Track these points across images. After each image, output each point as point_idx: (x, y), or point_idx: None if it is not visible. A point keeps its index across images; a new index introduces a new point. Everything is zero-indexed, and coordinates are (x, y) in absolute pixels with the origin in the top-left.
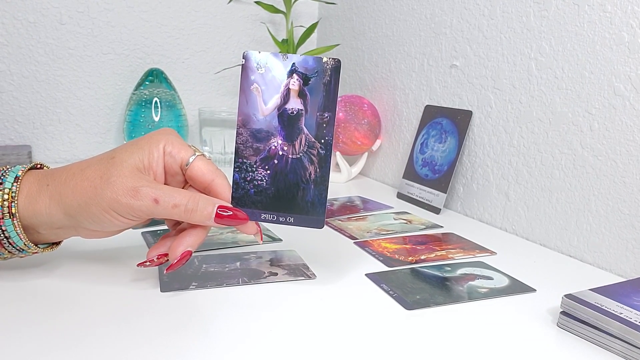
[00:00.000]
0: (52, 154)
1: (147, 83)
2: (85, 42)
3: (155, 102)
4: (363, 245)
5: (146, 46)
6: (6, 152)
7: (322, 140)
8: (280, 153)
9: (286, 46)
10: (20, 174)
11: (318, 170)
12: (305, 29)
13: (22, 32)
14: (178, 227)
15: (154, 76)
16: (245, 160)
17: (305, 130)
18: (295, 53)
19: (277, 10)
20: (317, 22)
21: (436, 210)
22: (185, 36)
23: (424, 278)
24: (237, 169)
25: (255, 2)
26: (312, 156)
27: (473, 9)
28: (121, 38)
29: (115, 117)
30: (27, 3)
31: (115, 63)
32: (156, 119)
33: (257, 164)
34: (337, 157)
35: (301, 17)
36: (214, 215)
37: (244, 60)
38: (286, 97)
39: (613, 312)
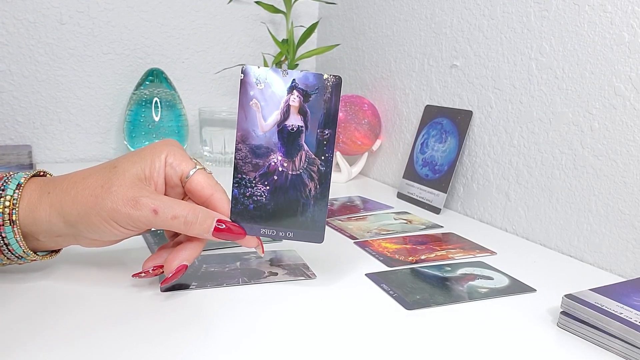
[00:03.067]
0: (52, 153)
1: (147, 83)
2: (85, 42)
3: (156, 102)
4: (363, 245)
5: (146, 46)
6: (6, 151)
7: (323, 157)
8: (280, 169)
9: (286, 46)
10: (22, 181)
11: (318, 186)
12: (305, 29)
13: (22, 32)
14: (175, 239)
15: (154, 76)
16: (244, 176)
17: (306, 147)
18: (295, 53)
19: (277, 10)
20: (317, 22)
21: (436, 210)
22: (185, 36)
23: (424, 278)
24: (236, 185)
25: (255, 2)
26: (312, 173)
27: (473, 9)
28: (121, 38)
29: (115, 117)
30: (27, 3)
31: (115, 63)
32: (156, 118)
33: (257, 179)
34: (337, 157)
35: (301, 17)
36: (212, 229)
37: (242, 75)
38: (286, 113)
39: (613, 312)
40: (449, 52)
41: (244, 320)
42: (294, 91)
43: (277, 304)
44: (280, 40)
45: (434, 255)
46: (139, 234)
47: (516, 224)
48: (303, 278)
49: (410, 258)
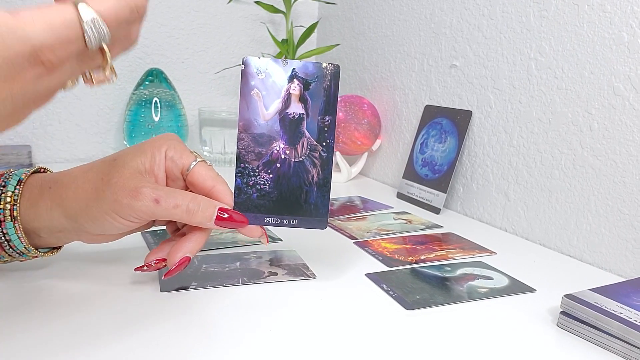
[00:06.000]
0: (51, 153)
1: (147, 83)
2: None
3: (155, 102)
4: (363, 245)
5: (146, 46)
6: (6, 152)
7: (324, 144)
8: (283, 157)
9: (286, 46)
10: (23, 177)
11: (320, 172)
12: (305, 29)
13: None
14: (178, 233)
15: (154, 76)
16: (247, 165)
17: (307, 133)
18: (295, 53)
19: (277, 10)
20: (317, 22)
21: (436, 210)
22: (185, 36)
23: (423, 278)
24: (239, 174)
25: (255, 2)
26: (315, 159)
27: (473, 9)
28: None
29: (115, 117)
30: (27, 3)
31: (115, 63)
32: (156, 119)
33: (260, 168)
34: (337, 157)
35: (301, 17)
36: (214, 217)
37: (243, 65)
38: (287, 101)
39: (613, 312)
40: (448, 52)
41: (243, 320)
42: (294, 80)
43: (277, 304)
44: (280, 40)
45: (434, 255)
46: (140, 229)
47: (516, 224)
48: (303, 278)
49: (410, 258)
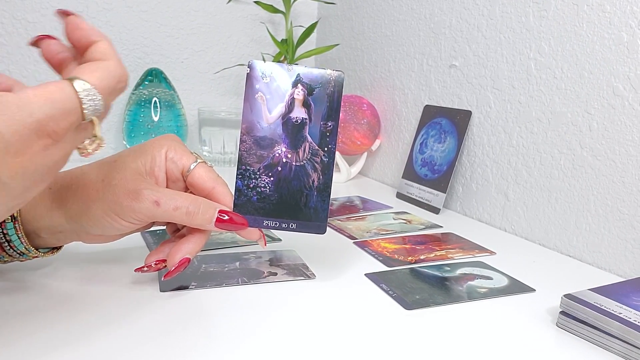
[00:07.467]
0: None
1: (146, 83)
2: None
3: (155, 102)
4: (362, 245)
5: (145, 46)
6: None
7: (326, 148)
8: (284, 160)
9: (286, 46)
10: None
11: (321, 177)
12: (304, 28)
13: (21, 32)
14: (178, 234)
15: (153, 76)
16: (248, 167)
17: (309, 138)
18: (294, 53)
19: (276, 10)
20: (316, 22)
21: (435, 210)
22: (184, 36)
23: (423, 278)
24: (240, 176)
25: (254, 1)
26: (316, 164)
27: (472, 9)
28: (120, 38)
29: (114, 117)
30: (26, 3)
31: None
32: (155, 118)
33: (261, 171)
34: (337, 157)
35: (300, 17)
36: (214, 219)
37: (249, 69)
38: (291, 106)
39: (612, 312)
40: (448, 52)
41: (243, 320)
42: (299, 85)
43: (277, 304)
44: (279, 40)
45: (433, 255)
46: (142, 229)
47: (515, 223)
48: (302, 278)
49: (410, 258)
